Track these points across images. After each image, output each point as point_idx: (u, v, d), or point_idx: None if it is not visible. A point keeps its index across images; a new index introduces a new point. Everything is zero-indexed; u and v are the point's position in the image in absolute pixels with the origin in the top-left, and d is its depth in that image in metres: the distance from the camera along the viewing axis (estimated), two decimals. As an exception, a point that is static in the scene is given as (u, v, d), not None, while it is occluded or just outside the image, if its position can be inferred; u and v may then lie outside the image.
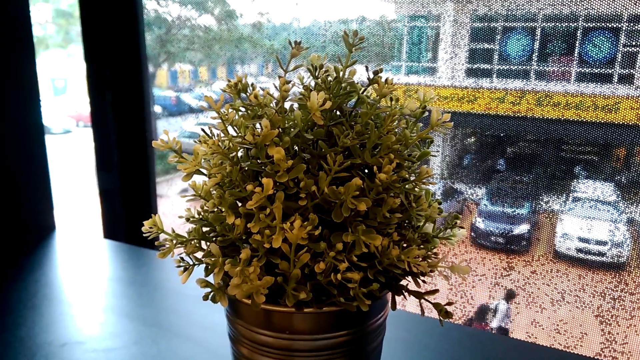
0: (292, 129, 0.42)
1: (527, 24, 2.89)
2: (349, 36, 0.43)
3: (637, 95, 2.83)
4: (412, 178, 0.44)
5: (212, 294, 0.44)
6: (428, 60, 3.63)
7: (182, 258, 0.44)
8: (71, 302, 0.77)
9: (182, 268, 0.44)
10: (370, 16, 3.25)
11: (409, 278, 0.44)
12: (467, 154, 2.73)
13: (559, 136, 3.16)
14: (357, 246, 0.40)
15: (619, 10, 2.71)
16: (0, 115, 0.86)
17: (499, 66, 3.03)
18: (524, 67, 3.05)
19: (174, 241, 0.45)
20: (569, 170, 3.20)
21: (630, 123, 2.84)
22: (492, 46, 3.05)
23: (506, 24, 2.96)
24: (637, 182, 3.05)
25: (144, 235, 0.47)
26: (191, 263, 0.45)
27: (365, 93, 0.46)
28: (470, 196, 2.62)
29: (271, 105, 0.44)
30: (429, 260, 0.42)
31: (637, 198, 3.04)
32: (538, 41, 2.94)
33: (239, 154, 0.44)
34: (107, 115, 0.96)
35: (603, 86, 2.90)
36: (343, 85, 0.44)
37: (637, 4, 2.60)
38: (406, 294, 0.43)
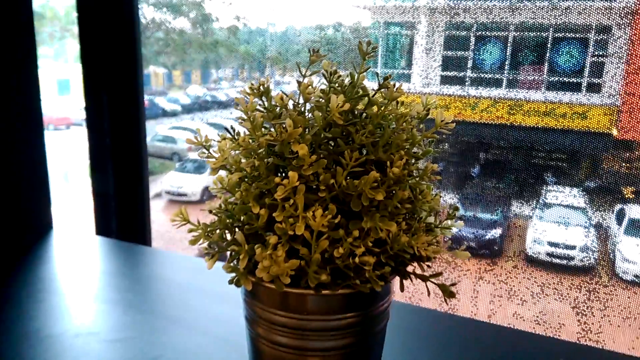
0: (310, 128, 0.48)
1: (499, 33, 3.02)
2: (363, 45, 0.49)
3: (605, 103, 2.98)
4: (417, 173, 0.49)
5: (236, 278, 0.49)
6: (403, 67, 3.74)
7: (209, 245, 0.49)
8: (77, 296, 0.80)
9: (209, 255, 0.49)
10: (346, 22, 3.32)
11: (414, 264, 0.50)
12: (440, 161, 2.82)
13: (530, 143, 3.29)
14: (373, 232, 0.45)
15: (588, 21, 2.85)
16: None
17: (472, 74, 3.14)
18: (496, 76, 3.17)
19: (202, 231, 0.50)
20: (540, 176, 3.33)
21: (598, 130, 2.99)
22: (465, 54, 3.16)
23: (479, 33, 3.08)
24: (605, 187, 3.20)
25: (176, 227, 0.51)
26: (216, 250, 0.50)
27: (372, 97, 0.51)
28: (443, 202, 2.70)
29: (289, 106, 0.50)
30: (434, 247, 0.48)
31: (605, 203, 3.19)
32: (510, 50, 3.07)
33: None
34: (102, 117, 0.99)
35: (573, 94, 3.04)
36: (355, 89, 0.49)
37: (605, 15, 2.74)
38: (413, 277, 0.49)
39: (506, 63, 3.26)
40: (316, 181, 0.47)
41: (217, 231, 0.50)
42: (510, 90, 3.26)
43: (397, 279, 0.51)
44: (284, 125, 0.46)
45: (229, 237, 0.51)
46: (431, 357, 0.67)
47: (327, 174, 0.46)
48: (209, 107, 3.62)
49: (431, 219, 0.52)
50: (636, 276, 2.83)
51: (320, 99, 0.49)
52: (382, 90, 0.50)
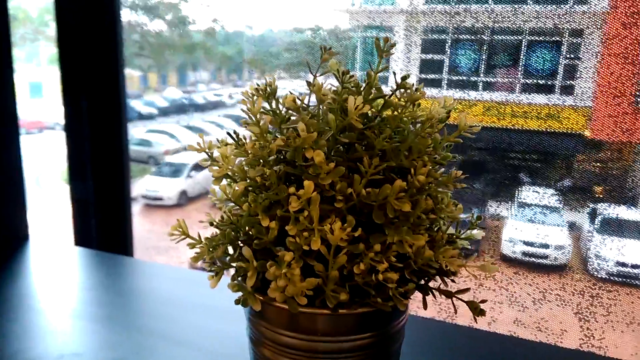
0: (323, 133, 0.43)
1: (475, 36, 3.03)
2: (381, 42, 0.44)
3: (578, 105, 3.01)
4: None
5: (243, 298, 0.43)
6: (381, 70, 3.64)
7: (213, 262, 0.44)
8: (58, 313, 0.74)
9: (213, 273, 0.44)
10: (325, 26, 3.29)
11: (436, 278, 0.45)
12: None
13: (505, 144, 3.31)
14: (397, 246, 0.40)
15: (561, 25, 2.88)
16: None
17: (449, 77, 3.15)
18: (473, 78, 3.17)
19: (204, 246, 0.44)
20: (515, 177, 3.35)
21: (572, 131, 3.02)
22: (442, 57, 3.16)
23: (455, 36, 3.08)
24: (579, 187, 3.24)
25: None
26: (220, 267, 0.44)
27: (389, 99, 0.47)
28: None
29: (301, 109, 0.45)
30: (459, 260, 0.43)
31: (578, 202, 3.23)
32: (485, 53, 3.08)
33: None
34: (82, 123, 0.92)
35: (547, 96, 3.08)
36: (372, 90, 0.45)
37: (578, 18, 2.76)
38: (437, 293, 0.44)
39: (482, 66, 3.27)
40: (332, 191, 0.42)
41: (221, 246, 0.44)
42: (486, 92, 3.27)
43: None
44: (297, 130, 0.41)
45: (230, 251, 0.46)
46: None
47: (344, 183, 0.41)
48: (186, 110, 3.53)
49: (451, 230, 0.47)
50: (609, 274, 2.87)
51: (333, 101, 0.44)
52: (398, 91, 0.45)
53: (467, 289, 0.43)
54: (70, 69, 0.94)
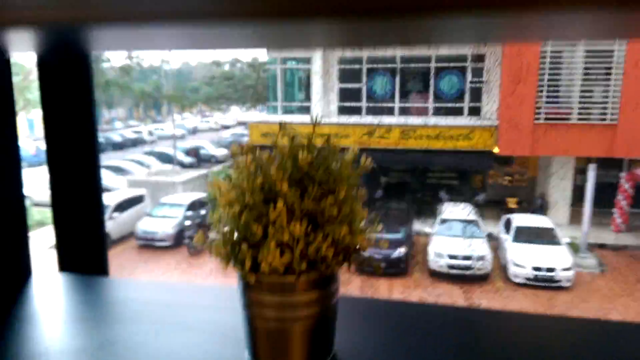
0: (285, 172, 0.82)
1: (387, 65, 3.64)
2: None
3: (485, 124, 3.71)
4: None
5: (243, 275, 0.81)
6: (302, 99, 4.34)
7: (220, 253, 0.81)
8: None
9: (225, 260, 0.81)
10: (243, 58, 3.78)
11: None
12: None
13: (423, 165, 3.94)
14: (331, 234, 0.80)
15: (464, 51, 3.57)
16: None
17: (367, 104, 3.73)
18: (389, 104, 3.79)
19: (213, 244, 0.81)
20: (436, 195, 3.96)
21: (482, 149, 3.70)
22: (359, 86, 3.75)
23: (370, 66, 3.67)
24: (493, 200, 3.92)
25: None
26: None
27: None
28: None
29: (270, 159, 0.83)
30: (367, 242, 0.83)
31: (494, 214, 3.90)
32: (398, 81, 3.71)
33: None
34: (64, 159, 1.23)
35: (456, 118, 3.75)
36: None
37: (479, 46, 3.45)
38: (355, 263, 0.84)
39: (396, 92, 3.80)
40: (292, 206, 0.80)
41: (227, 245, 0.82)
42: (402, 117, 3.80)
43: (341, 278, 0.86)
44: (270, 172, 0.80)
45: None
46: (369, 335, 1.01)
47: (298, 201, 0.81)
48: (103, 149, 3.79)
49: (360, 225, 0.87)
50: (527, 279, 3.41)
51: (290, 152, 0.83)
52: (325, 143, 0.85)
53: (374, 258, 0.83)
54: (51, 114, 1.26)
